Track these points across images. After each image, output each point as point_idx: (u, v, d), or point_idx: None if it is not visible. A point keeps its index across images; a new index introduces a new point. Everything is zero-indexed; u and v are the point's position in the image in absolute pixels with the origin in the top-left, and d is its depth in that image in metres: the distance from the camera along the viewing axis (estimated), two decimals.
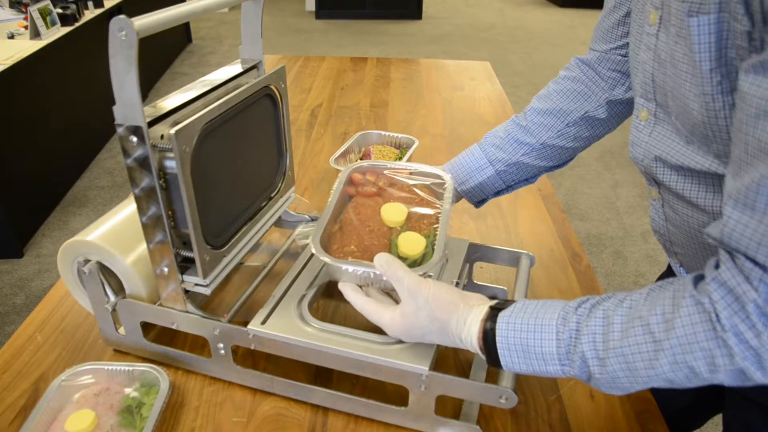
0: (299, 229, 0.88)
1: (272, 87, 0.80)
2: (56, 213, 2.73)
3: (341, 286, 0.66)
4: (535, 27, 6.59)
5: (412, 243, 0.68)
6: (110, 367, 0.71)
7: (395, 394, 0.71)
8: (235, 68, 0.78)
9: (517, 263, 0.81)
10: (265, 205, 0.83)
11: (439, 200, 0.75)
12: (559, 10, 7.58)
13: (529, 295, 0.90)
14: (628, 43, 0.75)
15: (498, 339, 0.55)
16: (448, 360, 0.78)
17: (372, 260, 0.63)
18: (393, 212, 0.72)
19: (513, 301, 0.58)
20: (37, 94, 2.62)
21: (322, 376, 0.75)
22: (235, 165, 0.74)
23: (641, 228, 2.74)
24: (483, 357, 0.57)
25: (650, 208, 0.71)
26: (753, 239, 0.42)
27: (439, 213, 0.73)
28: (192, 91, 0.69)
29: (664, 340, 0.47)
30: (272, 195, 0.85)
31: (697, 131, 0.54)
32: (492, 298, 0.85)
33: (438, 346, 0.65)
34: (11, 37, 2.72)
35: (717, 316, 0.44)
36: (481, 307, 0.58)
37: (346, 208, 0.75)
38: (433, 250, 0.67)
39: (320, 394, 0.70)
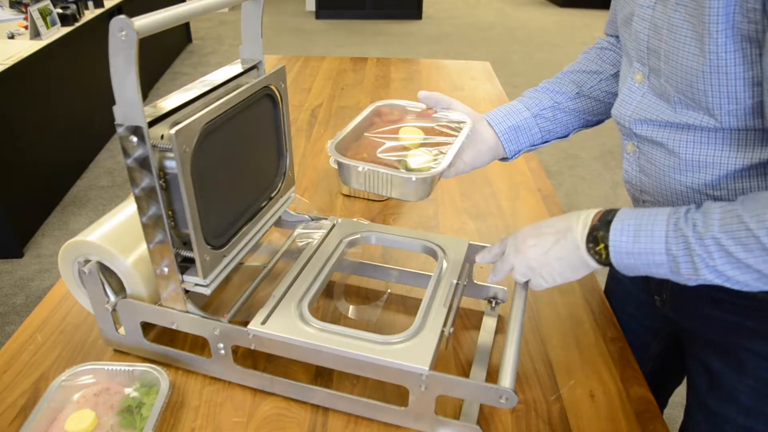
0: (299, 229, 0.88)
1: (272, 87, 0.80)
2: (56, 213, 2.73)
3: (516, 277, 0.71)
4: (536, 27, 6.59)
5: (422, 159, 0.70)
6: (110, 367, 0.71)
7: (395, 394, 0.71)
8: (235, 68, 0.78)
9: None
10: (265, 205, 0.83)
11: (456, 132, 0.77)
12: (559, 10, 7.58)
13: (529, 295, 0.90)
14: None
15: (614, 221, 0.61)
16: (448, 360, 0.78)
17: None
18: (410, 132, 0.75)
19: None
20: (37, 94, 2.62)
21: (322, 376, 0.75)
22: (235, 165, 0.74)
23: None
24: (589, 254, 0.64)
25: (624, 162, 0.76)
26: None
27: (453, 140, 0.75)
28: (192, 91, 0.69)
29: (760, 234, 0.52)
30: (272, 195, 0.85)
31: (693, 89, 0.60)
32: (492, 298, 0.86)
33: (438, 346, 0.65)
34: (11, 37, 2.72)
35: None
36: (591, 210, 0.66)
37: (369, 129, 0.77)
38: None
39: (320, 394, 0.70)
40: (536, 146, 0.87)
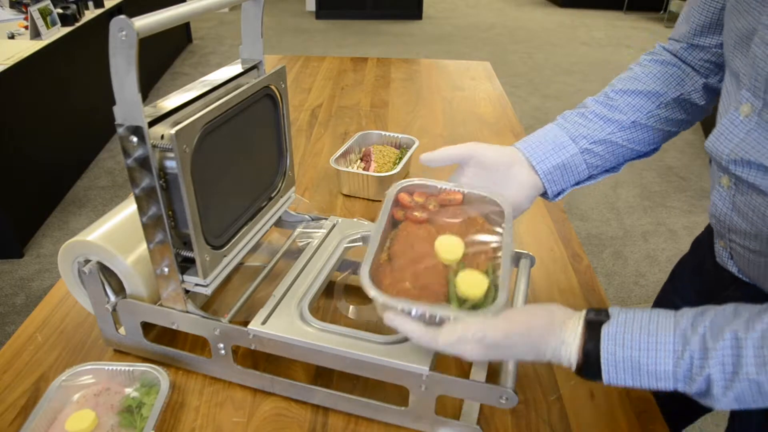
0: (299, 229, 0.88)
1: (272, 87, 0.80)
2: (56, 213, 2.73)
3: (388, 319, 0.57)
4: (536, 27, 6.59)
5: (473, 283, 0.59)
6: (110, 367, 0.71)
7: (395, 394, 0.71)
8: (236, 68, 0.78)
9: (517, 263, 0.81)
10: (266, 205, 0.83)
11: (497, 227, 0.66)
12: (559, 10, 7.58)
13: (530, 296, 0.90)
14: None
15: (604, 357, 0.52)
16: (448, 360, 0.78)
17: (428, 299, 0.57)
18: (449, 247, 0.63)
19: (605, 311, 0.55)
20: (37, 94, 2.63)
21: (322, 376, 0.75)
22: (236, 165, 0.74)
23: (641, 228, 2.74)
24: (575, 372, 0.55)
25: (713, 195, 0.67)
26: None
27: (499, 244, 0.64)
28: (192, 91, 0.69)
29: None
30: (272, 195, 0.85)
31: None
32: None
33: None
34: (11, 37, 2.72)
35: None
36: (574, 321, 0.56)
37: (395, 236, 0.66)
38: (496, 289, 0.58)
39: (320, 394, 0.70)
40: (581, 184, 0.75)
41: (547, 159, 0.71)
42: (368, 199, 1.17)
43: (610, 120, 0.72)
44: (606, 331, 0.53)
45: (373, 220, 1.00)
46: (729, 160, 0.60)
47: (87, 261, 0.71)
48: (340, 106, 1.68)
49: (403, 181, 0.73)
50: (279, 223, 0.92)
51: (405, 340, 0.65)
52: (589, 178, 0.74)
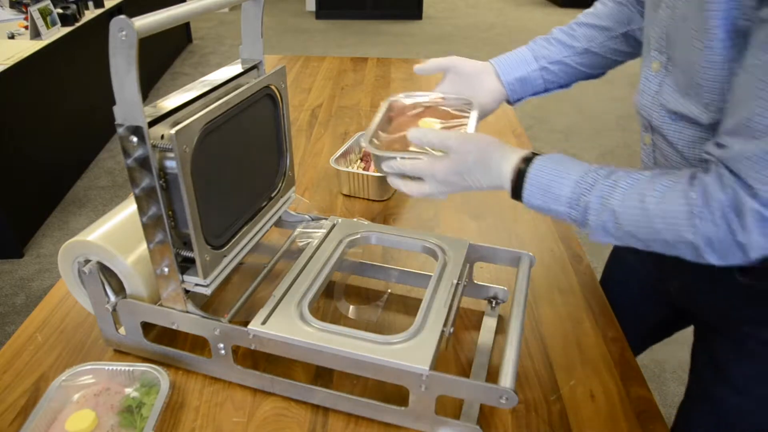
0: (299, 229, 0.88)
1: (272, 87, 0.80)
2: (56, 213, 2.73)
3: (387, 169, 0.73)
4: (536, 27, 6.59)
5: (430, 125, 0.79)
6: (110, 367, 0.71)
7: (395, 394, 0.71)
8: (236, 68, 0.78)
9: (518, 263, 0.81)
10: (266, 205, 0.83)
11: (467, 112, 0.83)
12: (559, 10, 7.58)
13: (530, 296, 0.90)
14: None
15: (528, 177, 0.65)
16: (448, 360, 0.78)
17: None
18: (428, 124, 0.81)
19: (546, 154, 0.67)
20: (37, 94, 2.63)
21: (322, 376, 0.75)
22: (236, 165, 0.74)
23: None
24: (509, 190, 0.67)
25: (642, 153, 0.80)
26: (747, 161, 0.52)
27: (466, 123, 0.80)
28: (192, 91, 0.69)
29: (653, 214, 0.58)
30: (272, 195, 0.85)
31: (695, 81, 0.61)
32: (492, 298, 0.86)
33: (438, 346, 0.65)
34: (11, 37, 2.72)
35: (697, 205, 0.56)
36: (522, 151, 0.68)
37: (388, 127, 0.83)
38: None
39: (320, 394, 0.70)
40: (538, 95, 0.92)
41: (511, 72, 0.88)
42: (368, 199, 1.17)
43: (568, 46, 0.88)
44: (537, 159, 0.66)
45: (373, 220, 1.00)
46: (649, 108, 0.71)
47: (87, 261, 0.71)
48: (340, 106, 1.68)
49: (396, 95, 0.90)
50: (279, 223, 0.92)
51: (405, 340, 0.65)
52: (545, 90, 0.91)
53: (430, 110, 0.86)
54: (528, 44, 0.90)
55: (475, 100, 0.86)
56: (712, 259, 0.58)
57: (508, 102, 0.90)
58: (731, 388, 0.77)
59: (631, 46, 0.88)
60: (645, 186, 0.59)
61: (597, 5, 0.90)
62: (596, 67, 0.90)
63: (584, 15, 0.91)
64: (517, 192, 0.66)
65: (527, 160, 0.66)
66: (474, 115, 0.81)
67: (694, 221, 0.56)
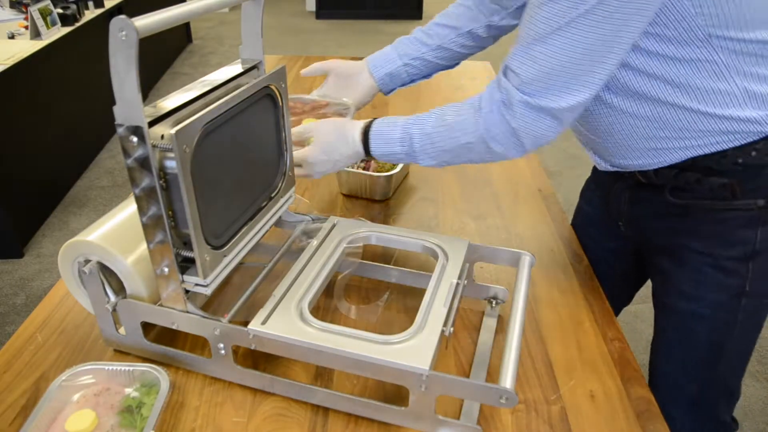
0: (299, 229, 0.88)
1: (272, 87, 0.80)
2: (56, 213, 2.74)
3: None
4: None
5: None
6: (110, 367, 0.71)
7: (395, 394, 0.71)
8: (236, 68, 0.78)
9: (518, 263, 0.81)
10: (266, 205, 0.83)
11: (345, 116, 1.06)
12: None
13: (530, 295, 0.90)
14: None
15: (370, 132, 0.88)
16: (448, 360, 0.78)
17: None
18: (308, 122, 0.99)
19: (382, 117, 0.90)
20: (37, 94, 2.63)
21: (322, 376, 0.75)
22: (236, 165, 0.74)
23: None
24: (362, 151, 0.89)
25: None
26: (514, 56, 0.74)
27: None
28: (192, 91, 0.69)
29: (452, 126, 0.81)
30: (272, 195, 0.85)
31: None
32: (492, 298, 0.87)
33: (438, 346, 0.65)
34: (11, 37, 2.72)
35: (481, 107, 0.78)
36: (365, 120, 0.91)
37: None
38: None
39: (320, 394, 0.70)
40: (405, 85, 1.13)
41: (381, 69, 1.08)
42: (368, 199, 1.17)
43: (424, 43, 1.08)
44: (375, 121, 0.89)
45: (373, 220, 1.01)
46: None
47: (87, 261, 0.71)
48: None
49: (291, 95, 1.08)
50: (279, 223, 0.92)
51: (405, 340, 0.65)
52: (411, 81, 1.11)
53: (315, 112, 1.09)
54: (393, 44, 1.10)
55: (353, 97, 1.08)
56: (498, 148, 0.79)
57: (383, 93, 1.12)
58: (682, 296, 0.88)
59: (475, 41, 1.07)
60: (447, 110, 0.83)
61: (450, 8, 1.09)
62: (450, 60, 1.09)
63: (439, 16, 1.09)
64: (366, 147, 0.88)
65: (369, 124, 0.89)
66: (351, 112, 1.05)
67: (478, 117, 0.78)
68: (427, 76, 1.11)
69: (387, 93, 1.12)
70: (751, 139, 0.75)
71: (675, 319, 0.91)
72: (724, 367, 0.90)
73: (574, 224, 1.13)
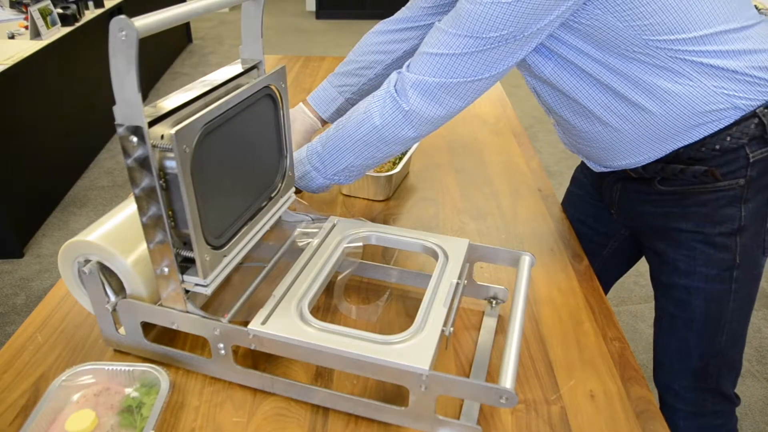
0: (299, 229, 0.88)
1: (273, 87, 0.80)
2: (56, 213, 2.74)
3: None
4: None
5: None
6: (110, 367, 0.71)
7: (395, 394, 0.71)
8: (236, 68, 0.78)
9: (518, 263, 0.81)
10: (266, 205, 0.83)
11: None
12: None
13: (530, 295, 0.90)
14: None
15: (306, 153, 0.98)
16: (448, 360, 0.78)
17: None
18: None
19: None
20: (37, 94, 2.63)
21: (322, 376, 0.75)
22: (236, 165, 0.74)
23: None
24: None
25: (558, 134, 1.06)
26: (413, 60, 0.84)
27: None
28: (192, 91, 0.69)
29: (351, 129, 0.91)
30: (273, 195, 0.85)
31: None
32: (492, 298, 0.87)
33: (438, 346, 0.65)
34: (11, 37, 2.72)
35: (379, 96, 0.88)
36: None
37: None
38: None
39: (320, 394, 0.70)
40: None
41: (328, 109, 1.17)
42: (368, 199, 1.17)
43: (360, 75, 1.16)
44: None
45: (373, 220, 1.00)
46: None
47: (87, 261, 0.71)
48: None
49: None
50: (279, 223, 0.92)
51: (405, 340, 0.65)
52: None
53: None
54: (329, 79, 1.19)
55: (296, 142, 1.14)
56: (409, 133, 0.87)
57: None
58: (678, 272, 0.94)
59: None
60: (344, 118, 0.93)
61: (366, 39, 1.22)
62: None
63: (362, 47, 1.22)
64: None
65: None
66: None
67: (378, 104, 0.87)
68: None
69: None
70: (724, 125, 0.82)
71: (673, 295, 0.96)
72: (724, 338, 0.95)
73: (563, 205, 1.19)
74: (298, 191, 1.01)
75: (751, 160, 0.83)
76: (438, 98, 0.84)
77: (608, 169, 0.99)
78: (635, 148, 0.88)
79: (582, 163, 1.19)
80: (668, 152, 0.87)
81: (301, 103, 1.18)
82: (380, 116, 0.87)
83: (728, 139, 0.82)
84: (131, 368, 0.71)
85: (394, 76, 0.87)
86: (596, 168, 1.01)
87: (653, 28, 0.75)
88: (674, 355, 0.99)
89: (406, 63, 0.86)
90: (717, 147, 0.83)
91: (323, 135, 0.95)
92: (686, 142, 0.84)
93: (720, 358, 0.97)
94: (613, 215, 1.08)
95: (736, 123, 0.81)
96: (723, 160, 0.84)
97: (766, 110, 0.81)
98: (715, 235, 0.89)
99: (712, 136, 0.83)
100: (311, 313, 0.69)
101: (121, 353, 0.78)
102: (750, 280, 0.93)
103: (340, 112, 1.16)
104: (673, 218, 0.92)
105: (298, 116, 1.16)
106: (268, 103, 0.80)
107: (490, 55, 0.79)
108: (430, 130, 0.89)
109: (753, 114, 0.81)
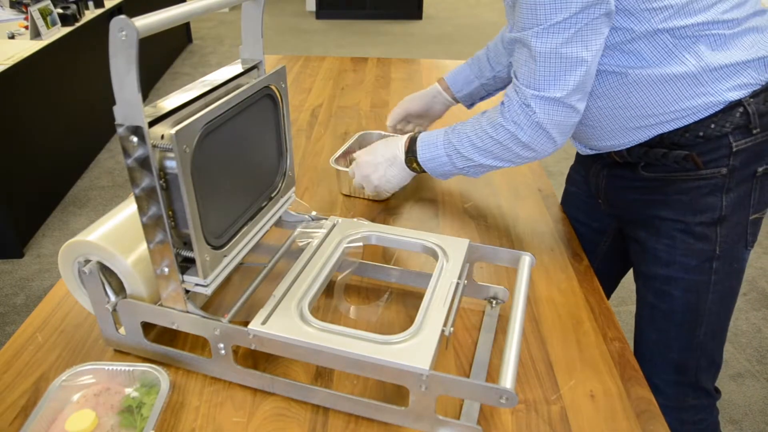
0: (299, 229, 0.88)
1: (272, 87, 0.80)
2: (56, 213, 2.74)
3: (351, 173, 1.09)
4: None
5: None
6: (110, 367, 0.71)
7: (395, 394, 0.71)
8: (236, 68, 0.78)
9: (518, 263, 0.81)
10: (266, 205, 0.83)
11: None
12: None
13: (530, 295, 0.90)
14: None
15: (418, 139, 0.98)
16: (448, 360, 0.78)
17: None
18: None
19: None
20: (37, 94, 2.63)
21: (322, 376, 0.75)
22: (236, 165, 0.74)
23: None
24: (401, 155, 1.01)
25: None
26: (517, 66, 0.85)
27: None
28: (192, 91, 0.69)
29: (486, 129, 0.91)
30: (273, 195, 0.85)
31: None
32: (492, 298, 0.87)
33: (438, 346, 0.65)
34: (12, 37, 2.72)
35: (505, 107, 0.88)
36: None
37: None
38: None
39: (320, 394, 0.70)
40: (483, 99, 1.29)
41: (462, 90, 1.26)
42: (368, 199, 1.17)
43: (498, 63, 1.20)
44: (422, 133, 1.00)
45: (373, 220, 1.01)
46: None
47: (87, 261, 0.71)
48: (340, 106, 1.68)
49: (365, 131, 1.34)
50: (279, 223, 0.92)
51: (405, 340, 0.65)
52: (488, 95, 1.27)
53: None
54: (470, 62, 1.25)
55: (431, 120, 1.32)
56: (526, 139, 0.87)
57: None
58: (657, 261, 0.95)
59: None
60: (480, 115, 0.93)
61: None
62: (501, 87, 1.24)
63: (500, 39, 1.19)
64: (411, 153, 0.99)
65: (415, 136, 1.00)
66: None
67: (505, 115, 0.87)
68: (503, 88, 1.24)
69: (469, 107, 1.31)
70: (709, 113, 0.83)
71: (653, 286, 0.97)
72: (703, 330, 0.95)
73: (561, 205, 1.20)
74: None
75: (734, 150, 0.84)
76: (547, 85, 0.82)
77: (594, 151, 1.00)
78: (623, 124, 0.89)
79: (575, 160, 1.22)
80: (653, 135, 0.88)
81: (436, 83, 1.28)
82: (514, 123, 0.87)
83: (712, 126, 0.83)
84: (131, 368, 0.71)
85: (512, 90, 0.87)
86: (583, 150, 1.03)
87: (668, 11, 0.77)
88: (653, 348, 1.00)
89: (519, 83, 0.85)
90: (701, 134, 0.84)
91: (463, 136, 0.93)
92: (673, 127, 0.85)
93: (699, 352, 0.97)
94: (601, 205, 1.09)
95: (722, 111, 0.82)
96: (706, 148, 0.84)
97: (751, 100, 0.81)
98: (695, 224, 0.89)
99: (698, 122, 0.83)
100: (311, 313, 0.69)
101: (121, 353, 0.78)
102: (731, 273, 0.93)
103: (470, 96, 1.26)
104: (655, 206, 0.93)
105: (439, 98, 1.27)
106: (268, 103, 0.80)
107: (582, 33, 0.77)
108: (567, 130, 0.87)
109: (738, 103, 0.81)
